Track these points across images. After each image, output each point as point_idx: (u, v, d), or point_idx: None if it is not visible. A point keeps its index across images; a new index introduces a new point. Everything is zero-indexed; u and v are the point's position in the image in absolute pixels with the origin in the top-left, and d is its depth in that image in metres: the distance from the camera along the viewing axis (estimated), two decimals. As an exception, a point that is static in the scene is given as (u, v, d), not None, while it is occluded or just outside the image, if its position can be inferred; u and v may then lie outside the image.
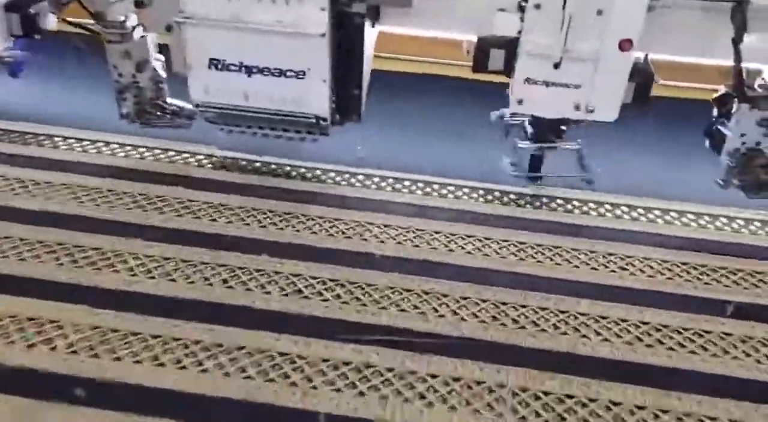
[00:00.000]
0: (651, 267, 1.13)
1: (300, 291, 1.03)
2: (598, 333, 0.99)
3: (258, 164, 1.35)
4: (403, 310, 1.01)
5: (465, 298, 1.04)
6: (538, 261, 1.13)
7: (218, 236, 1.14)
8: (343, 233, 1.17)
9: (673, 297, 1.07)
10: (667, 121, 1.57)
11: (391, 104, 1.56)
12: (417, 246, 1.15)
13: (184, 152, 1.38)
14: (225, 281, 1.04)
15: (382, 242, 1.15)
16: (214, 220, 1.18)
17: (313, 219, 1.20)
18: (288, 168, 1.35)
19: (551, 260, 1.14)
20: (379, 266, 1.09)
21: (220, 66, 1.23)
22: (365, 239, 1.15)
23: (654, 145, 1.51)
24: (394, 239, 1.16)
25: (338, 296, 1.02)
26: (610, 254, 1.15)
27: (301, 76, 1.20)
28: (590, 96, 1.11)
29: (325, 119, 1.23)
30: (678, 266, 1.14)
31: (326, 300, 1.02)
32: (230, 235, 1.14)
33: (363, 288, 1.04)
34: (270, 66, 1.20)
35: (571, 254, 1.15)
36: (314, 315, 0.99)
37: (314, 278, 1.06)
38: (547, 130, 1.21)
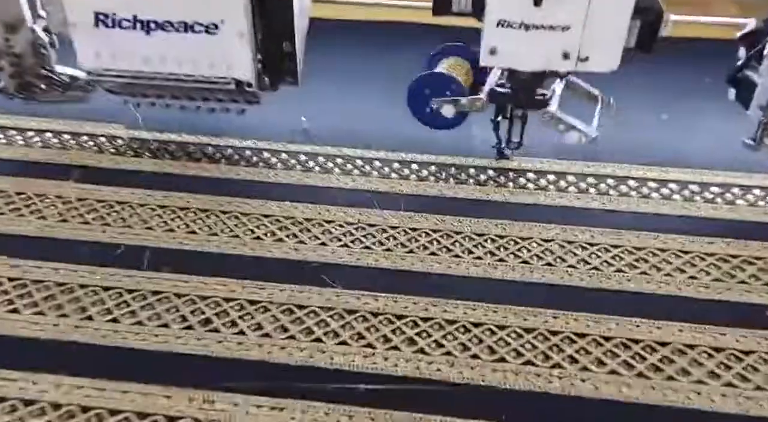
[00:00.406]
0: (668, 262, 0.88)
1: (216, 330, 0.79)
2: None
3: (173, 147, 1.09)
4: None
5: (432, 322, 0.79)
6: (524, 262, 0.88)
7: (107, 246, 0.89)
8: (273, 234, 0.92)
9: (704, 312, 0.82)
10: (678, 66, 1.30)
11: (339, 60, 1.29)
12: (368, 248, 0.90)
13: (82, 134, 1.12)
14: (109, 310, 0.79)
15: (324, 243, 0.90)
16: (106, 225, 0.92)
17: (237, 217, 0.95)
18: (211, 149, 1.09)
19: (529, 262, 0.89)
20: (316, 280, 0.84)
21: (109, 22, 0.97)
22: (302, 242, 0.90)
23: (663, 98, 1.24)
24: (340, 239, 0.91)
25: (267, 335, 0.78)
26: (613, 248, 0.90)
27: (212, 31, 0.94)
28: (582, 41, 0.84)
29: (249, 84, 0.97)
30: (703, 258, 0.89)
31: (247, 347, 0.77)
32: (123, 245, 0.89)
33: (300, 320, 0.80)
34: (172, 19, 0.95)
35: (560, 252, 0.90)
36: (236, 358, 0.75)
37: (236, 304, 0.81)
38: (525, 90, 0.95)
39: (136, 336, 0.76)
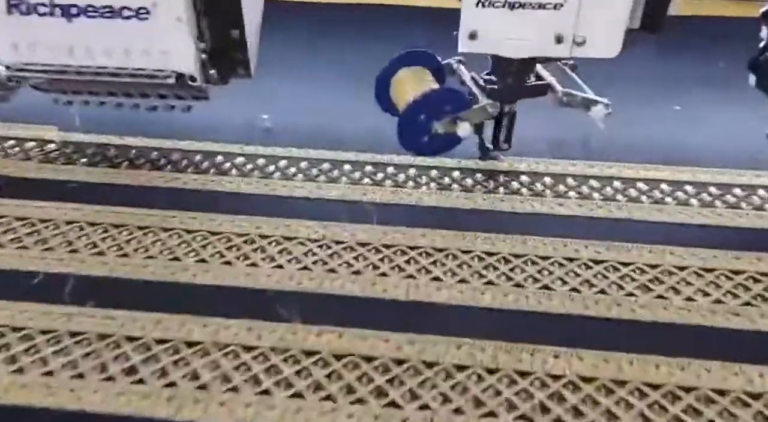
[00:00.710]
0: (688, 283, 0.75)
1: (142, 381, 0.65)
2: None
3: (113, 151, 0.95)
4: None
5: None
6: (517, 285, 0.75)
7: (22, 276, 0.75)
8: (222, 256, 0.78)
9: (736, 346, 0.69)
10: (689, 50, 1.16)
11: (305, 48, 1.15)
12: (333, 272, 0.76)
13: (8, 139, 0.97)
14: (14, 358, 0.66)
15: (281, 266, 0.76)
16: (23, 249, 0.78)
17: (180, 235, 0.81)
18: (155, 154, 0.95)
19: (523, 285, 0.75)
20: (269, 313, 0.71)
21: (23, 8, 0.83)
22: (254, 265, 0.77)
23: (673, 86, 1.10)
24: (300, 260, 0.77)
25: (203, 387, 0.64)
26: (622, 266, 0.77)
27: (143, 16, 0.81)
28: (578, 21, 0.70)
29: (193, 78, 0.83)
30: (730, 277, 0.75)
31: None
32: (42, 273, 0.75)
33: (246, 367, 0.66)
34: (95, 3, 0.80)
35: (559, 272, 0.76)
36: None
37: (169, 346, 0.67)
38: (511, 82, 0.81)
39: (47, 391, 0.63)
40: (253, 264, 0.77)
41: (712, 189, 0.89)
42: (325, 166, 0.93)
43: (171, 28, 0.80)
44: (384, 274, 0.76)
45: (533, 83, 0.85)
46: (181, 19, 0.79)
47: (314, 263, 0.77)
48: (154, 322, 0.69)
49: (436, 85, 0.87)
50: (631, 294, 0.74)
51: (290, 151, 0.95)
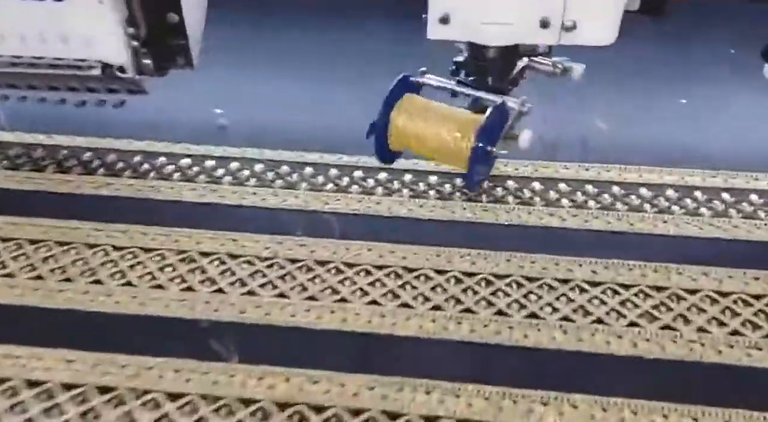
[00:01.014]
0: (700, 309, 0.64)
1: None
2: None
3: (40, 152, 0.83)
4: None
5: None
6: (499, 313, 0.64)
7: None
8: (153, 278, 0.67)
9: (759, 389, 0.58)
10: (696, 36, 1.05)
11: (263, 34, 1.03)
12: (284, 297, 0.65)
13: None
14: None
15: (221, 290, 0.65)
16: None
17: (106, 253, 0.69)
18: (88, 155, 0.83)
19: (507, 313, 0.64)
20: (202, 349, 0.60)
21: None
22: (190, 289, 0.65)
23: (678, 77, 0.99)
24: (246, 284, 0.66)
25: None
26: (623, 289, 0.66)
27: (59, -5, 0.69)
28: (568, 2, 0.58)
29: (122, 68, 0.72)
30: (749, 302, 0.65)
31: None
32: (-66, 302, 0.64)
33: (168, 420, 0.55)
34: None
35: (549, 297, 0.65)
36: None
37: (77, 393, 0.56)
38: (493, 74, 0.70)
39: None
40: (189, 288, 0.66)
41: (726, 196, 0.78)
42: (284, 169, 0.81)
43: (92, 12, 0.68)
44: (344, 300, 0.65)
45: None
46: (102, 1, 0.67)
47: (262, 286, 0.66)
48: (64, 361, 0.58)
49: (463, 112, 0.74)
50: (633, 324, 0.63)
51: (244, 151, 0.84)
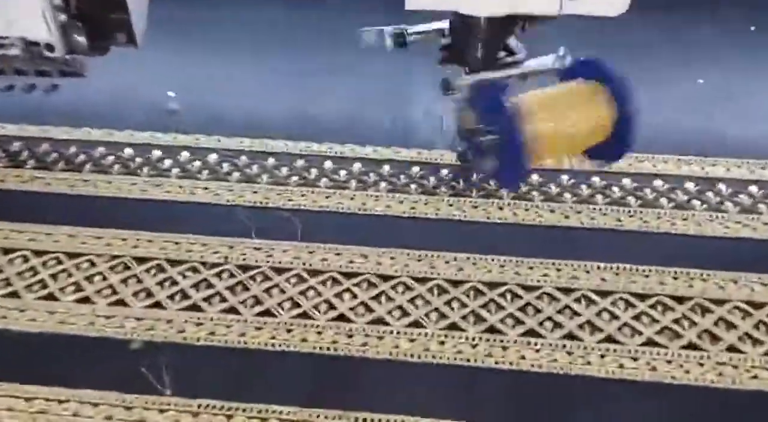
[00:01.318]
0: (729, 324, 0.54)
1: None
2: None
3: (-43, 143, 0.73)
4: None
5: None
6: (491, 329, 0.54)
7: None
8: (78, 289, 0.57)
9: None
10: (714, 10, 0.95)
11: (223, 8, 0.92)
12: (234, 312, 0.55)
13: None
14: None
15: (158, 304, 0.55)
16: None
17: (26, 259, 0.59)
18: (17, 145, 0.73)
19: (501, 330, 0.55)
20: (133, 376, 0.50)
21: None
22: (121, 303, 0.55)
23: (695, 55, 0.89)
24: (189, 296, 0.56)
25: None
26: (638, 299, 0.56)
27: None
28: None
29: (51, 46, 0.62)
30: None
31: None
32: None
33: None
34: None
35: (549, 310, 0.56)
36: None
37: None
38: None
39: None
40: (120, 302, 0.56)
41: (753, 188, 0.68)
42: (243, 159, 0.71)
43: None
44: (305, 315, 0.55)
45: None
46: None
47: (207, 299, 0.56)
48: None
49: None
50: (650, 343, 0.53)
51: (197, 139, 0.73)
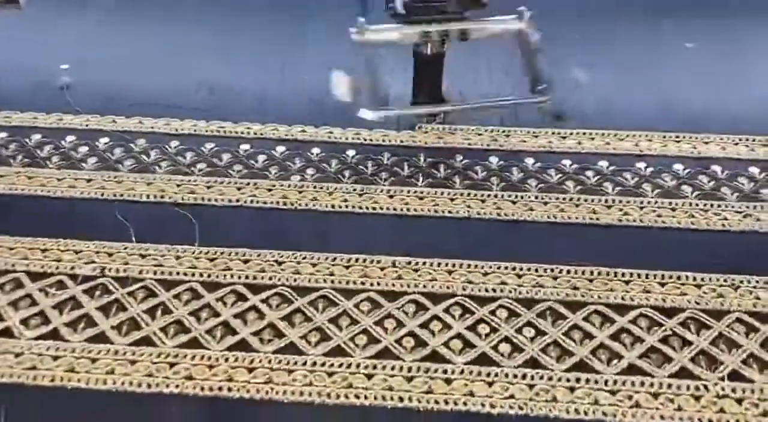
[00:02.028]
0: (734, 345, 0.44)
1: None
2: None
3: None
4: None
5: None
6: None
7: None
8: None
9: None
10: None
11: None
12: (104, 339, 0.44)
13: None
14: None
15: (5, 333, 0.44)
16: None
17: None
18: None
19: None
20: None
21: None
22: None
23: (678, 13, 0.78)
24: (46, 317, 0.45)
25: None
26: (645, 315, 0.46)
27: None
28: None
29: None
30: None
31: None
32: None
33: None
34: None
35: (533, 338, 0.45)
36: None
37: None
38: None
39: None
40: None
41: (754, 170, 0.58)
42: (140, 143, 0.59)
43: None
44: (196, 343, 0.44)
45: None
46: None
47: (70, 325, 0.44)
48: None
49: None
50: (666, 352, 0.42)
51: (87, 120, 0.62)
